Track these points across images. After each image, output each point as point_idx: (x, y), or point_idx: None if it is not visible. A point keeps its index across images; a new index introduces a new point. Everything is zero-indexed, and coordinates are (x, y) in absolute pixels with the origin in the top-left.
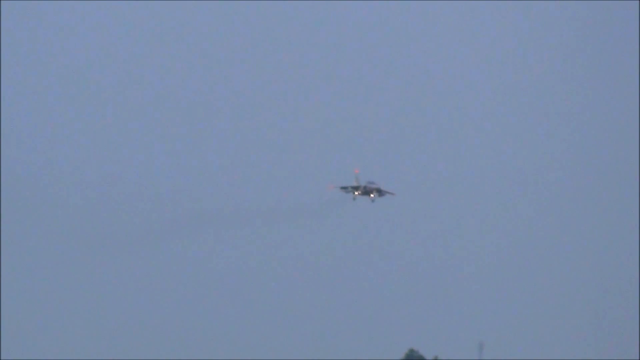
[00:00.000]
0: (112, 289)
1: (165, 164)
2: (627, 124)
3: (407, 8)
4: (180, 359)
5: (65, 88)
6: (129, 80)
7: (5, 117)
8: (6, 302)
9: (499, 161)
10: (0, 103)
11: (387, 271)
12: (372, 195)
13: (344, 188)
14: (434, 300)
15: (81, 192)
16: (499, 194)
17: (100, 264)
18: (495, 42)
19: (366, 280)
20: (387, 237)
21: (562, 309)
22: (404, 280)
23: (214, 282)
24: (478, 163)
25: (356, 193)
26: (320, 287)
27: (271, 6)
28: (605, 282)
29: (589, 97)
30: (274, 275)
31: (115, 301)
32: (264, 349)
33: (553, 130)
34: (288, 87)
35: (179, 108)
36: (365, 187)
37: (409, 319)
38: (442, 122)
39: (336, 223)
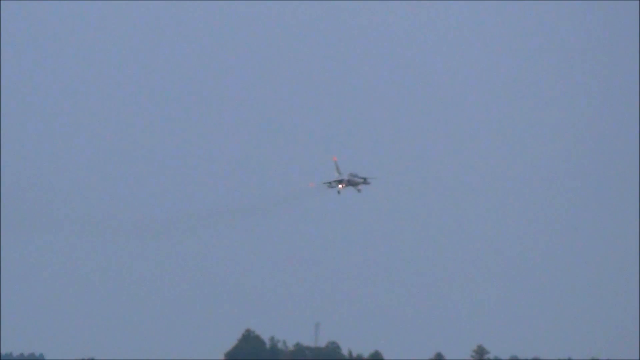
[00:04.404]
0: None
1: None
2: (627, 123)
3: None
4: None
5: (64, 87)
6: (119, 80)
7: (5, 117)
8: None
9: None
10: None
11: (223, 251)
12: (359, 187)
13: (327, 183)
14: (272, 282)
15: (75, 190)
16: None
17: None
18: (494, 41)
19: (205, 261)
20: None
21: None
22: (238, 263)
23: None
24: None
25: (340, 186)
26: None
27: (249, 5)
28: (605, 282)
29: (589, 97)
30: None
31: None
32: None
33: (550, 127)
34: (266, 84)
35: (163, 105)
36: (349, 180)
37: (245, 301)
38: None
39: None
